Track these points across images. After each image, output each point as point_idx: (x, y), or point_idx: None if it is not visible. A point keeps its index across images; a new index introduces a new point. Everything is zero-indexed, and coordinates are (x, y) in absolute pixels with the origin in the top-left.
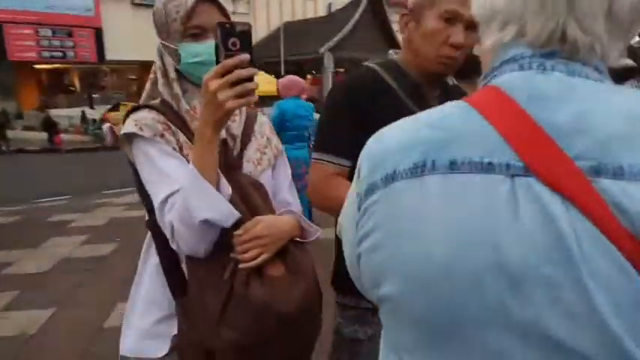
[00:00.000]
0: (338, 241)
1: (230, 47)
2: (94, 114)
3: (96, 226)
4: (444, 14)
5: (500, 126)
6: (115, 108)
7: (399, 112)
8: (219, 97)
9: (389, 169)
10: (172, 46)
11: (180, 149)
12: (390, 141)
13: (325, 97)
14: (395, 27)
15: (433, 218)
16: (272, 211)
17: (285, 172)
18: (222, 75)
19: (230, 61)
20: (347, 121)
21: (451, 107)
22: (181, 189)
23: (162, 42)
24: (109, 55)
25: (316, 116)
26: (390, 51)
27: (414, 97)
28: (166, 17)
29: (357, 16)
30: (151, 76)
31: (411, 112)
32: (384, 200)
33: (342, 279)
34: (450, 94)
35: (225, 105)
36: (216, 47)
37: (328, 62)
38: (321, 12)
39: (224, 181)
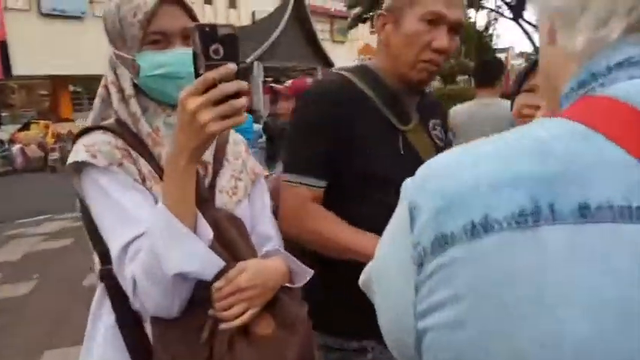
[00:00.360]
0: (320, 267)
1: (212, 55)
2: (1, 135)
3: (10, 262)
4: (426, 15)
5: None
6: (26, 127)
7: (379, 123)
8: (200, 118)
9: (476, 216)
10: (129, 56)
11: (143, 181)
12: (471, 175)
13: (295, 109)
14: (320, 35)
15: (562, 286)
16: (254, 252)
17: (264, 199)
18: (203, 91)
19: (212, 74)
20: (323, 136)
21: (552, 127)
22: (147, 232)
23: (116, 51)
24: (17, 70)
25: (256, 127)
26: (361, 56)
27: (392, 107)
28: (121, 22)
29: (282, 24)
30: (101, 90)
31: (390, 124)
32: (469, 259)
33: (324, 316)
34: (426, 103)
35: (207, 128)
36: (194, 56)
37: (258, 71)
38: (245, 21)
39: (203, 222)
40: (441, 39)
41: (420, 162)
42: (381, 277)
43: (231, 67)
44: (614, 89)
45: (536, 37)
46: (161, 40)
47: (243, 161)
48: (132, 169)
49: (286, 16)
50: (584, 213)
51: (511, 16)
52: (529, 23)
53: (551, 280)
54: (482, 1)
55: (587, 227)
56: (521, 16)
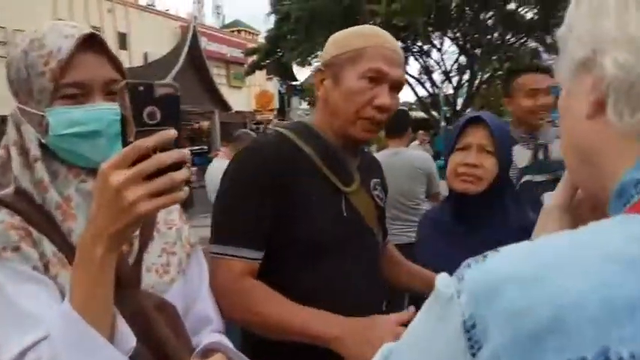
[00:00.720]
0: None
1: (146, 120)
2: None
3: None
4: (368, 73)
5: None
6: None
7: (321, 185)
8: (127, 196)
9: (588, 352)
10: (37, 112)
11: (46, 267)
12: (573, 294)
13: (228, 170)
14: (216, 80)
15: None
16: (189, 349)
17: (201, 273)
18: (132, 163)
19: (146, 141)
20: (261, 200)
21: None
22: (49, 338)
23: (20, 106)
24: None
25: None
26: (300, 112)
27: (334, 167)
28: (28, 70)
29: (177, 67)
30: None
31: (332, 185)
32: None
33: None
34: (366, 162)
35: (136, 208)
36: (123, 120)
37: None
38: (137, 62)
39: (123, 326)
40: (383, 96)
41: (363, 225)
42: None
43: (172, 132)
44: None
45: (418, 88)
46: (78, 94)
47: (178, 230)
48: (31, 255)
49: (181, 59)
50: None
51: None
52: (410, 75)
53: None
54: None
55: None
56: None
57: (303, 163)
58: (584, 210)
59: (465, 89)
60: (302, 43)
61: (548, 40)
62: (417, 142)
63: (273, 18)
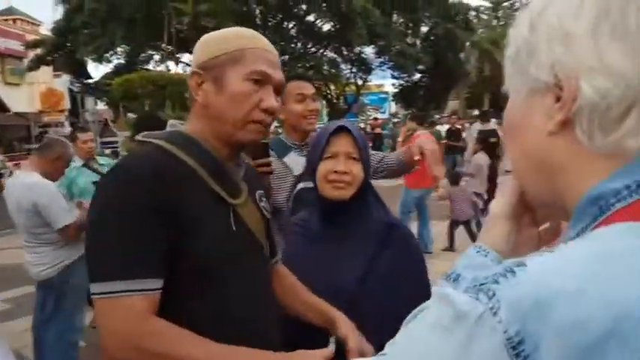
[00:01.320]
0: None
1: None
2: None
3: None
4: (252, 75)
5: None
6: None
7: (206, 199)
8: None
9: None
10: None
11: None
12: (623, 302)
13: (100, 196)
14: None
15: None
16: None
17: None
18: None
19: None
20: (149, 222)
21: None
22: None
23: None
24: None
25: None
26: (172, 121)
27: (220, 179)
28: None
29: None
30: None
31: (219, 198)
32: None
33: None
34: (250, 173)
35: None
36: None
37: None
38: None
39: None
40: (270, 99)
41: (252, 239)
42: None
43: None
44: None
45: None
46: None
47: None
48: None
49: None
50: None
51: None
52: None
53: None
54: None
55: None
56: None
57: (187, 177)
58: (527, 218)
59: None
60: (98, 38)
61: (344, 51)
62: None
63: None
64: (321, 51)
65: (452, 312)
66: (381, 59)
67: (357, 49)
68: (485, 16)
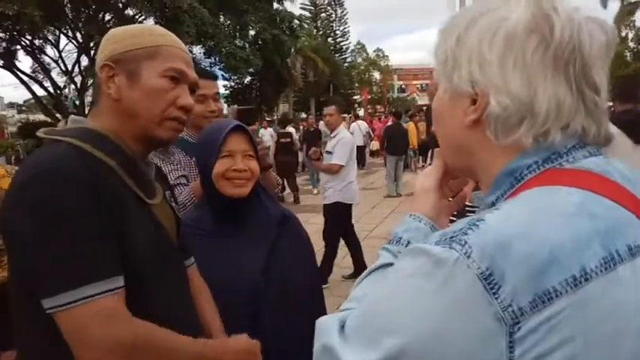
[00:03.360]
0: None
1: None
2: None
3: None
4: (169, 72)
5: (632, 208)
6: None
7: (129, 199)
8: None
9: (574, 271)
10: None
11: None
12: (555, 238)
13: (22, 206)
14: None
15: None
16: None
17: None
18: None
19: None
20: (103, 221)
21: (574, 195)
22: None
23: None
24: None
25: None
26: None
27: (137, 179)
28: None
29: None
30: None
31: (138, 199)
32: (575, 307)
33: None
34: (159, 173)
35: None
36: None
37: None
38: None
39: None
40: (186, 97)
41: (167, 239)
42: (440, 354)
43: None
44: (585, 164)
45: (34, 86)
46: None
47: None
48: None
49: None
50: (633, 253)
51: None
52: (22, 72)
53: (635, 307)
54: None
55: (636, 261)
56: (15, 66)
57: (109, 177)
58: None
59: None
60: None
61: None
62: None
63: None
64: None
65: (432, 260)
66: (211, 60)
67: (186, 48)
68: (306, 25)
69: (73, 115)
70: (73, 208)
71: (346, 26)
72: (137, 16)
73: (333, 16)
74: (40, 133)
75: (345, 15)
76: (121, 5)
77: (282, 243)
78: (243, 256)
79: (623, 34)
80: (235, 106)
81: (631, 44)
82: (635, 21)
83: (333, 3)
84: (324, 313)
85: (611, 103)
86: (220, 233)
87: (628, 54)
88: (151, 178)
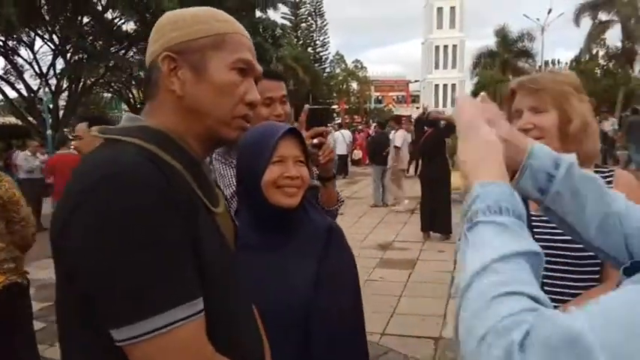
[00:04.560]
0: None
1: None
2: None
3: None
4: (238, 63)
5: None
6: None
7: (200, 209)
8: None
9: None
10: None
11: None
12: None
13: (99, 213)
14: None
15: None
16: None
17: None
18: None
19: None
20: (184, 234)
21: None
22: None
23: None
24: None
25: None
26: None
27: (201, 184)
28: None
29: None
30: None
31: (204, 207)
32: None
33: None
34: (214, 176)
35: None
36: None
37: None
38: None
39: None
40: (254, 92)
41: (231, 253)
42: None
43: None
44: None
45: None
46: None
47: None
48: None
49: None
50: None
51: None
52: None
53: None
54: None
55: None
56: None
57: (181, 183)
58: None
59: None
60: None
61: None
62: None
63: None
64: (123, 52)
65: None
66: None
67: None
68: (287, 34)
69: (128, 113)
70: (152, 219)
71: (326, 37)
72: (116, 20)
73: (314, 26)
74: (94, 132)
75: (325, 25)
76: (100, 8)
77: (331, 257)
78: (292, 269)
79: (594, 51)
80: (307, 105)
81: (601, 61)
82: (605, 39)
83: (313, 13)
84: (364, 331)
85: None
86: (267, 247)
87: (598, 71)
88: (213, 184)
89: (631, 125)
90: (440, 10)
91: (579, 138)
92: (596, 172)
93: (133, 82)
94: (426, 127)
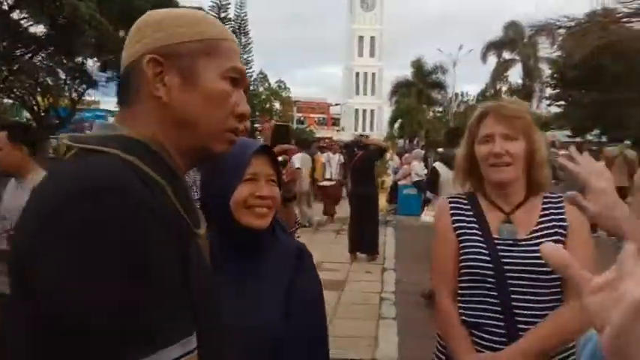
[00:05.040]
0: None
1: None
2: None
3: None
4: (230, 72)
5: None
6: None
7: (185, 231)
8: None
9: None
10: None
11: None
12: None
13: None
14: None
15: None
16: None
17: None
18: None
19: None
20: (174, 260)
21: None
22: None
23: None
24: None
25: None
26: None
27: (182, 201)
28: None
29: None
30: None
31: (186, 227)
32: None
33: None
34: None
35: None
36: None
37: None
38: None
39: None
40: (245, 103)
41: (211, 279)
42: None
43: None
44: None
45: None
46: None
47: None
48: None
49: None
50: None
51: None
52: None
53: None
54: None
55: None
56: None
57: (167, 202)
58: None
59: None
60: None
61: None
62: None
63: None
64: (29, 55)
65: None
66: (108, 74)
67: (79, 60)
68: None
69: (100, 121)
70: (145, 243)
71: (250, 55)
72: (23, 21)
73: (238, 43)
74: (65, 140)
75: (249, 44)
76: (6, 7)
77: (301, 283)
78: (263, 300)
79: (498, 87)
80: (273, 121)
81: (504, 96)
82: (508, 76)
83: (238, 31)
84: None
85: None
86: (236, 272)
87: None
88: (194, 203)
89: None
90: (361, 38)
91: (540, 167)
92: (546, 197)
93: (39, 89)
94: (356, 150)
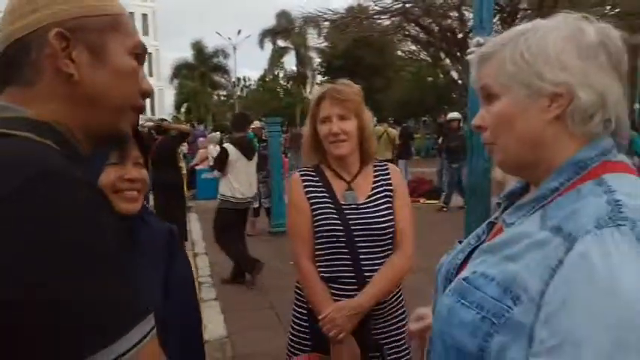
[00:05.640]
0: None
1: None
2: None
3: None
4: (135, 49)
5: None
6: None
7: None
8: None
9: None
10: None
11: None
12: None
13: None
14: None
15: None
16: None
17: None
18: None
19: None
20: (118, 244)
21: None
22: None
23: None
24: None
25: None
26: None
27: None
28: None
29: None
30: None
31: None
32: None
33: None
34: None
35: None
36: None
37: None
38: None
39: None
40: (147, 80)
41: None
42: None
43: None
44: (621, 157)
45: None
46: None
47: None
48: None
49: None
50: None
51: None
52: None
53: None
54: None
55: None
56: None
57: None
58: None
59: None
60: None
61: None
62: None
63: None
64: None
65: (623, 246)
66: None
67: None
68: None
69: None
70: (100, 226)
71: None
72: None
73: None
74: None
75: None
76: None
77: (175, 265)
78: (144, 284)
79: (276, 72)
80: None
81: (282, 82)
82: (283, 63)
83: None
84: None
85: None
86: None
87: (280, 90)
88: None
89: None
90: (131, 15)
91: (369, 140)
92: (375, 165)
93: None
94: (155, 135)
